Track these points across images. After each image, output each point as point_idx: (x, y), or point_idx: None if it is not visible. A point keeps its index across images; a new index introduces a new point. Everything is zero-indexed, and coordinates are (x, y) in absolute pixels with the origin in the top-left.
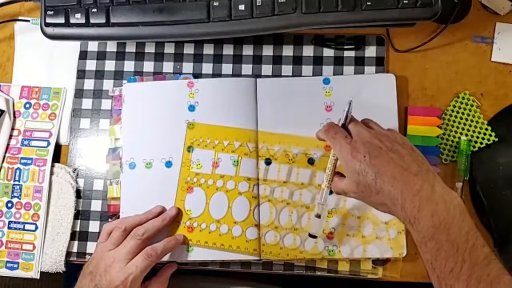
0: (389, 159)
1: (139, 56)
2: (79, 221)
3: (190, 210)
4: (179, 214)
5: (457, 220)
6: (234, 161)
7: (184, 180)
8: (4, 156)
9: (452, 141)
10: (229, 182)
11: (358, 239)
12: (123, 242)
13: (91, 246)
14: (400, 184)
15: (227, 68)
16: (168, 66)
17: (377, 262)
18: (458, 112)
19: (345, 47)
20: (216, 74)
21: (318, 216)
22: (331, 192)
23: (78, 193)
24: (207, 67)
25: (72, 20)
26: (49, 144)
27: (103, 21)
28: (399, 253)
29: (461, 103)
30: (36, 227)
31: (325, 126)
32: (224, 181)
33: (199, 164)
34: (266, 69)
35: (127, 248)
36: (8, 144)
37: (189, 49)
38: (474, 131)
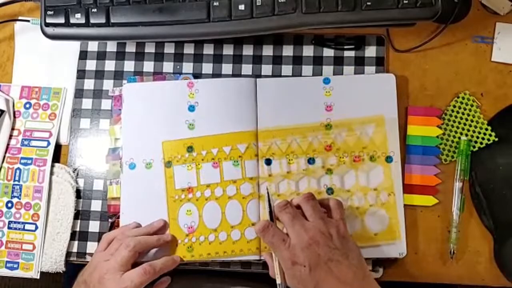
0: (328, 269)
1: (139, 56)
2: (79, 221)
3: (206, 211)
4: (173, 239)
5: None
6: (235, 162)
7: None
8: (4, 156)
9: (452, 141)
10: (216, 189)
11: (358, 239)
12: (115, 253)
13: (91, 246)
14: None
15: (227, 68)
16: (168, 66)
17: (377, 262)
18: (458, 112)
19: (345, 47)
20: (216, 74)
21: None
22: None
23: (78, 193)
24: (207, 67)
25: (72, 20)
26: (49, 144)
27: (103, 21)
28: (399, 253)
29: (461, 103)
30: (36, 227)
31: (260, 225)
32: (212, 190)
33: (199, 165)
34: (266, 69)
35: (118, 259)
36: (8, 144)
37: (189, 49)
38: (474, 131)
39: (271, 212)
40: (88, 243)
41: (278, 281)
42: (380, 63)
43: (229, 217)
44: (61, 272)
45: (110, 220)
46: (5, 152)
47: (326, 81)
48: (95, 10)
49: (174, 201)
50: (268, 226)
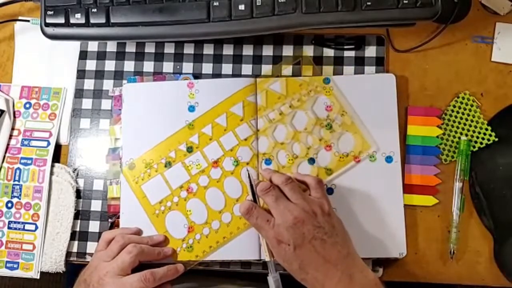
0: (311, 248)
1: (139, 56)
2: (79, 221)
3: (190, 210)
4: (173, 251)
5: None
6: (233, 161)
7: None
8: (4, 156)
9: (452, 141)
10: (190, 186)
11: (358, 239)
12: (117, 256)
13: (91, 246)
14: (321, 276)
15: (227, 68)
16: (168, 66)
17: (377, 262)
18: (458, 112)
19: (345, 47)
20: (216, 74)
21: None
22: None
23: (78, 193)
24: (207, 67)
25: (72, 20)
26: (49, 144)
27: (103, 21)
28: (399, 253)
29: (461, 103)
30: (36, 227)
31: (244, 208)
32: (186, 189)
33: (199, 164)
34: (266, 69)
35: (119, 263)
36: (8, 144)
37: (189, 49)
38: (474, 131)
39: (253, 194)
40: (88, 243)
41: (267, 258)
42: (380, 63)
43: (213, 205)
44: (61, 272)
45: (110, 220)
46: (5, 152)
47: (326, 81)
48: (95, 10)
49: (157, 217)
50: (252, 209)
